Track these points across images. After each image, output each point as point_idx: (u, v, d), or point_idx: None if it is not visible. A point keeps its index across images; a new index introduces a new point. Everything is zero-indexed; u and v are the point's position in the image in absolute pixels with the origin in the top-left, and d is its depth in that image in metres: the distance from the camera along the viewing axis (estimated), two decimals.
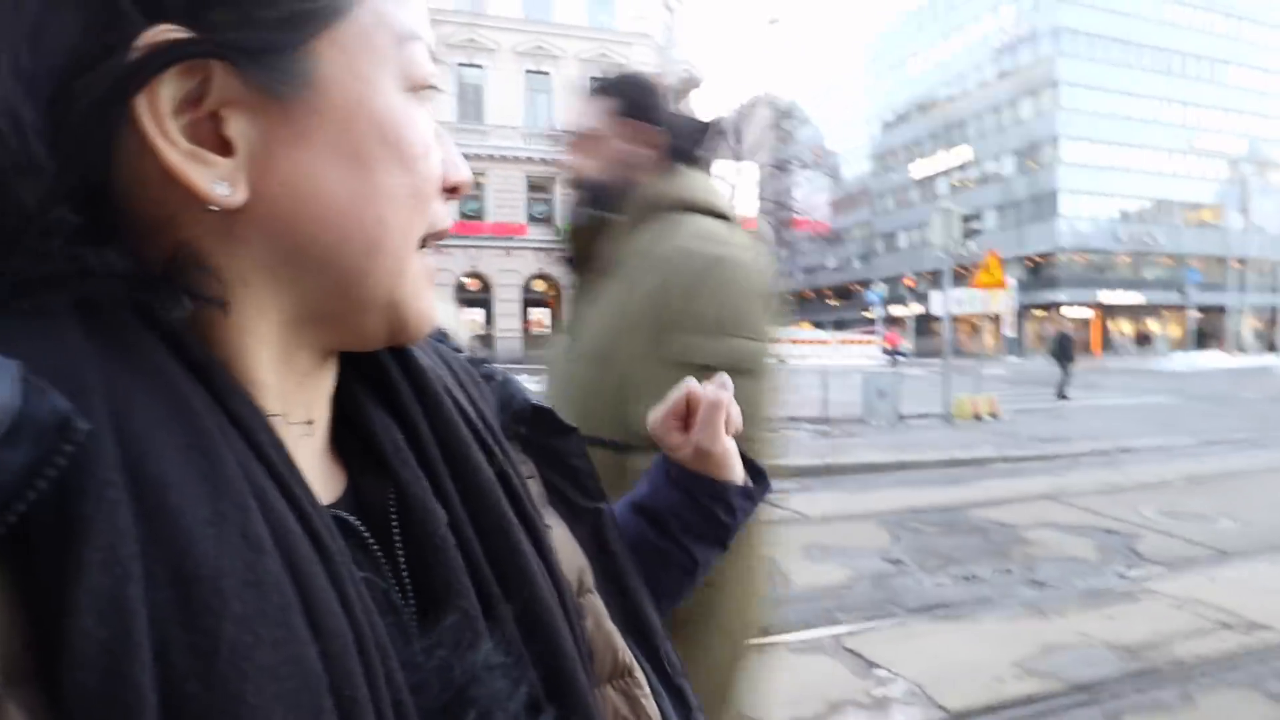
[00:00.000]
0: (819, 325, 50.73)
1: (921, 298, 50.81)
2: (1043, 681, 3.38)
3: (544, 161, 28.74)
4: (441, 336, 0.54)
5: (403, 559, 0.40)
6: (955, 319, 50.64)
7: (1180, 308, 36.04)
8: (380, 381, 0.44)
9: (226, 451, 0.31)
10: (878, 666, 3.52)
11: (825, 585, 4.65)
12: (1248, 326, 42.05)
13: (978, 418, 12.65)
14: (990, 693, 3.27)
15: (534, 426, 0.55)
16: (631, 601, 0.54)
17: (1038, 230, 45.31)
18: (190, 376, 0.32)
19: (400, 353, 0.45)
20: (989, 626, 4.07)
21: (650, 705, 0.49)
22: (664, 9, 31.35)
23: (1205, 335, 44.59)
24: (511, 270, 28.58)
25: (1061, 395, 16.85)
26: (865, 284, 53.11)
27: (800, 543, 5.54)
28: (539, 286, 29.38)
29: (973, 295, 45.43)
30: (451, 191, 0.43)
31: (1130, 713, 3.14)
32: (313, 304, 0.38)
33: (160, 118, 0.31)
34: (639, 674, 0.50)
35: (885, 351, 28.72)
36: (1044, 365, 32.17)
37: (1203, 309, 45.14)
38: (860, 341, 31.04)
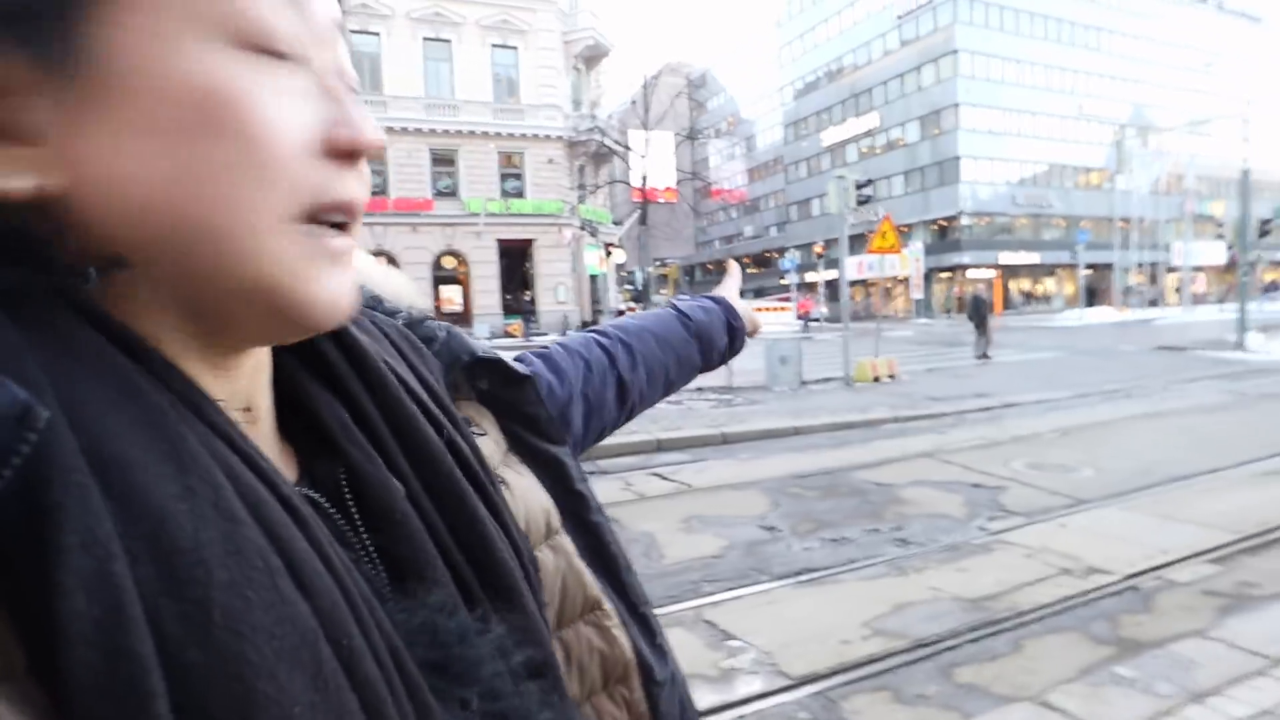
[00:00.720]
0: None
1: (835, 264, 52.25)
2: (887, 640, 3.46)
3: (447, 133, 27.97)
4: (375, 303, 0.53)
5: (365, 535, 0.40)
6: (866, 283, 52.30)
7: (1073, 266, 38.02)
8: (319, 363, 0.44)
9: (185, 429, 0.31)
10: (732, 638, 3.54)
11: (698, 556, 4.67)
12: (1134, 282, 44.74)
13: (877, 380, 13.01)
14: (836, 656, 3.33)
15: (489, 380, 0.55)
16: (596, 537, 0.56)
17: (942, 195, 46.85)
18: (130, 360, 0.32)
19: (336, 332, 0.43)
20: (848, 589, 4.16)
21: (620, 634, 0.52)
22: None
23: (1095, 292, 47.29)
24: (419, 248, 27.77)
25: (984, 355, 17.04)
26: (782, 251, 54.08)
27: (681, 514, 5.57)
28: (448, 264, 28.69)
29: (882, 260, 46.95)
30: (347, 156, 0.37)
31: (965, 663, 3.25)
32: (186, 295, 0.35)
33: None
34: (608, 605, 0.52)
35: (799, 318, 29.26)
36: (950, 326, 33.55)
37: (1093, 267, 47.77)
38: (775, 309, 31.50)
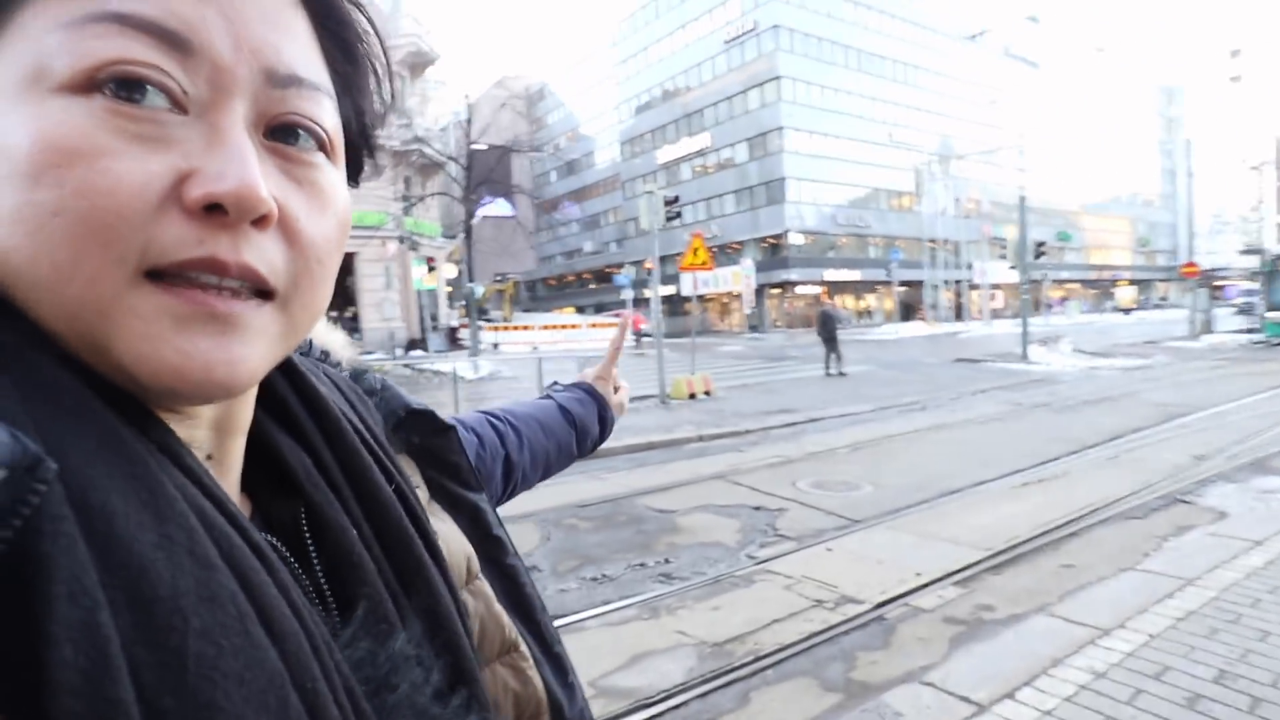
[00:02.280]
0: (580, 309, 51.37)
1: (672, 279, 53.43)
2: (608, 703, 3.05)
3: None
4: (324, 357, 0.56)
5: (320, 572, 0.42)
6: (703, 298, 53.31)
7: (889, 283, 41.02)
8: (280, 410, 0.45)
9: (163, 476, 0.32)
10: None
11: None
12: (943, 298, 48.94)
13: (693, 397, 12.97)
14: None
15: (418, 431, 0.57)
16: (512, 581, 0.58)
17: (770, 214, 49.16)
18: (107, 405, 0.32)
19: (297, 382, 0.47)
20: (590, 638, 3.74)
21: (534, 675, 0.54)
22: None
23: (909, 307, 51.29)
24: None
25: (839, 373, 16.51)
26: (620, 267, 54.70)
27: None
28: None
29: (716, 275, 48.04)
30: (218, 213, 0.34)
31: None
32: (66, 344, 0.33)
33: None
34: (524, 648, 0.54)
35: (633, 333, 29.34)
36: (785, 340, 35.04)
37: (906, 284, 51.80)
38: (610, 325, 31.47)
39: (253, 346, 0.35)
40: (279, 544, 0.40)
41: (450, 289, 30.82)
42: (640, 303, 49.42)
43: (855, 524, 5.57)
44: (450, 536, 0.54)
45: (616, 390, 1.11)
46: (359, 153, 0.46)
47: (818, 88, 49.91)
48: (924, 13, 55.15)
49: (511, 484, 0.88)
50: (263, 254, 0.35)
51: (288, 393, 0.46)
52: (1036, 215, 66.69)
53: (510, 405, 0.96)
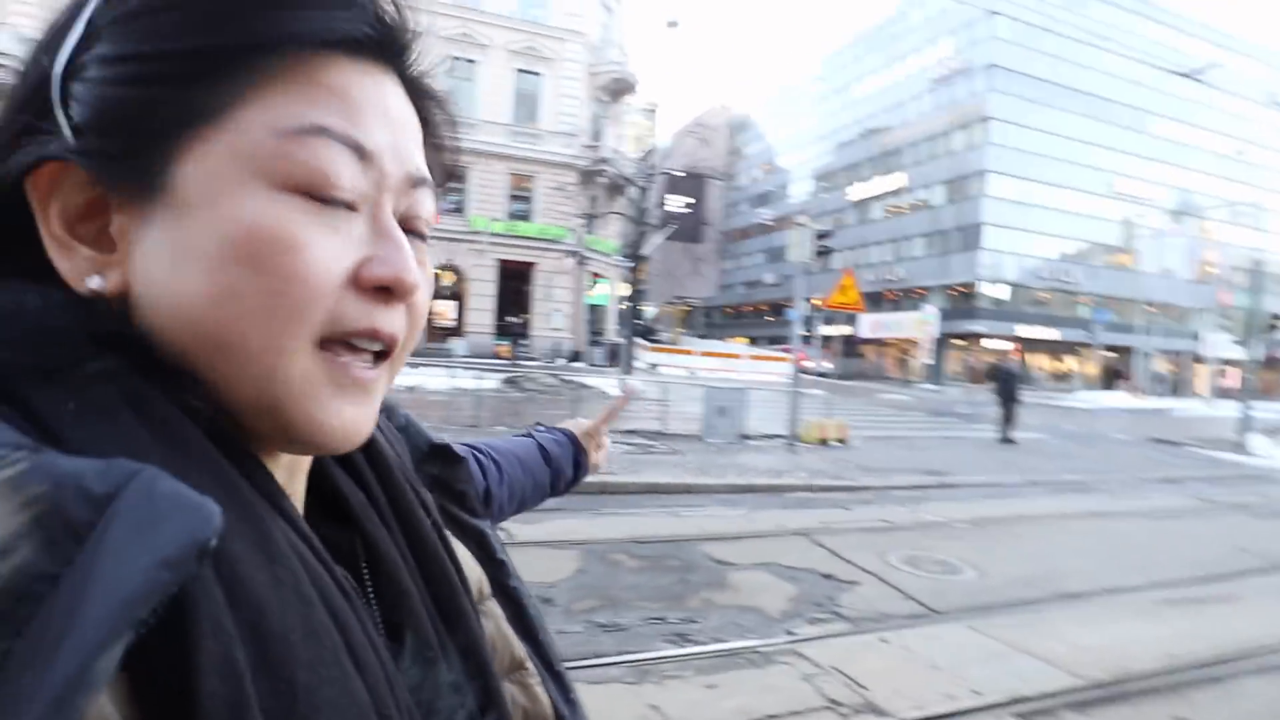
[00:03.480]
0: (753, 340, 50.64)
1: (851, 319, 51.26)
2: None
3: (466, 152, 27.93)
4: None
5: (374, 601, 0.45)
6: (882, 342, 51.05)
7: (1091, 346, 36.63)
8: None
9: (269, 519, 0.36)
10: None
11: None
12: (1158, 368, 43.06)
13: (824, 442, 12.15)
14: None
15: (438, 464, 0.60)
16: (517, 602, 0.59)
17: (961, 260, 45.76)
18: (218, 451, 0.36)
19: None
20: None
21: (541, 691, 0.55)
22: (601, 8, 30.72)
23: (1115, 375, 45.62)
24: None
25: (1006, 439, 14.56)
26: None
27: None
28: (447, 278, 28.40)
29: (898, 320, 46.01)
30: (385, 292, 0.40)
31: None
32: (219, 399, 0.38)
33: (45, 206, 0.36)
34: (530, 665, 0.56)
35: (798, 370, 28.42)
36: (963, 395, 32.35)
37: (1114, 349, 46.17)
38: (772, 358, 30.69)
39: (374, 406, 0.42)
40: (349, 576, 0.43)
41: (623, 307, 31.47)
42: (824, 340, 47.98)
43: (932, 615, 4.78)
44: (465, 561, 0.56)
45: (599, 448, 1.15)
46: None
47: (1030, 131, 45.86)
48: (1159, 53, 49.39)
49: (489, 515, 0.88)
50: (400, 324, 0.42)
51: None
52: None
53: (493, 441, 1.00)
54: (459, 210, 28.04)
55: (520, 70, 28.52)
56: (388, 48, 0.42)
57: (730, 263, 70.85)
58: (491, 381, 17.38)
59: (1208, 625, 4.87)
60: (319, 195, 0.38)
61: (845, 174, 57.24)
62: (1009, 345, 44.76)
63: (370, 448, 0.50)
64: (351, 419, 0.40)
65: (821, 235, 11.53)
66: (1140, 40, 46.48)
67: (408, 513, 0.50)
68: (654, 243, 31.30)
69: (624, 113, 33.44)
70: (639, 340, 31.29)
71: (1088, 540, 7.02)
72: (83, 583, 0.26)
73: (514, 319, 28.23)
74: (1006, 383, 14.96)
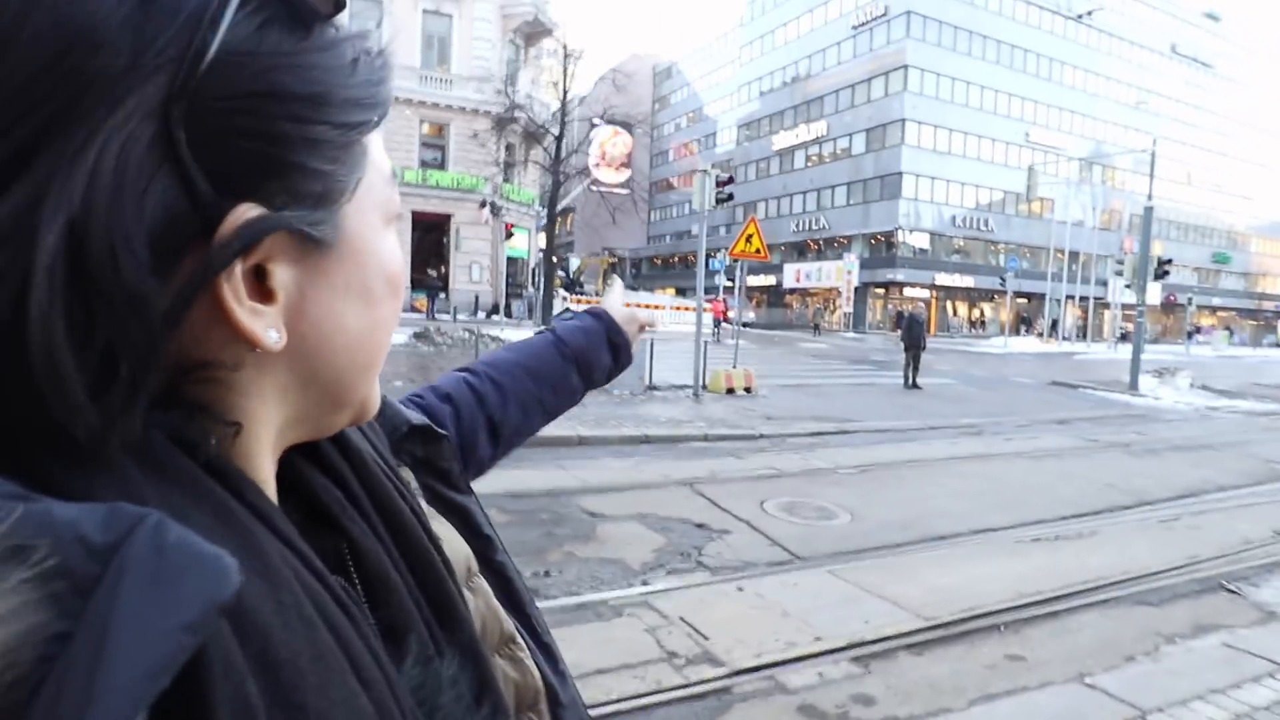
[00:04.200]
0: (681, 291, 50.62)
1: (776, 268, 51.65)
2: None
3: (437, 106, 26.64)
4: None
5: (366, 603, 0.45)
6: (806, 292, 51.42)
7: (1009, 293, 37.83)
8: (311, 448, 0.48)
9: (270, 546, 0.36)
10: None
11: None
12: (1070, 315, 44.93)
13: (730, 392, 12.17)
14: None
15: (419, 444, 0.60)
16: (503, 576, 0.60)
17: (882, 209, 46.39)
18: (214, 479, 0.36)
19: None
20: None
21: (530, 664, 0.56)
22: None
23: (1027, 321, 47.47)
24: None
25: (913, 384, 14.99)
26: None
27: None
28: None
29: (820, 268, 46.33)
30: None
31: None
32: (304, 411, 0.42)
33: (235, 283, 0.35)
34: (519, 639, 0.57)
35: (714, 320, 28.47)
36: (884, 342, 33.13)
37: (1026, 296, 47.92)
38: (688, 308, 30.67)
39: None
40: (347, 586, 0.42)
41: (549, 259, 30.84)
42: (750, 290, 48.19)
43: (795, 562, 4.77)
44: (450, 539, 0.55)
45: (643, 327, 1.07)
46: None
47: (948, 79, 46.35)
48: (1079, 4, 50.52)
49: (501, 443, 0.86)
50: None
51: None
52: (1192, 233, 60.47)
53: (496, 354, 0.93)
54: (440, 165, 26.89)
55: (427, 11, 27.13)
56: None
57: (658, 213, 70.30)
58: (401, 336, 16.87)
59: (1062, 561, 5.00)
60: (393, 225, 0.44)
61: (770, 122, 56.96)
62: (927, 293, 46.23)
63: (344, 442, 0.50)
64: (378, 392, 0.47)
65: (721, 182, 11.32)
66: None
67: (388, 506, 0.49)
68: (574, 193, 30.64)
69: (541, 57, 32.35)
70: (561, 292, 30.83)
71: (969, 482, 7.18)
72: (100, 645, 0.24)
73: (432, 272, 27.36)
74: (911, 330, 15.34)
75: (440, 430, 0.61)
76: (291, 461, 0.45)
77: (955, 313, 49.16)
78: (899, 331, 16.25)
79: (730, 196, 11.69)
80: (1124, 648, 3.72)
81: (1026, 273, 44.85)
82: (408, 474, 0.58)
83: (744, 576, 4.43)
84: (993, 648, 3.67)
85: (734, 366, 12.59)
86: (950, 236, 47.66)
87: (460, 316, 25.66)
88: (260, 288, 0.37)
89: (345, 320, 0.40)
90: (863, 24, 47.83)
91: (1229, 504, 6.93)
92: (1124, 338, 39.37)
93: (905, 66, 44.94)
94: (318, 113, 0.36)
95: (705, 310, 30.28)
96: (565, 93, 22.75)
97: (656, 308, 30.27)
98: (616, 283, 1.14)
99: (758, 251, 12.10)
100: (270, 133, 0.34)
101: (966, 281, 47.33)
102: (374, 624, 0.43)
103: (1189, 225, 60.38)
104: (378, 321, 0.42)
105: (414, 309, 25.36)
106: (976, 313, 50.19)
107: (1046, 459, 8.63)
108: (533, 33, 30.38)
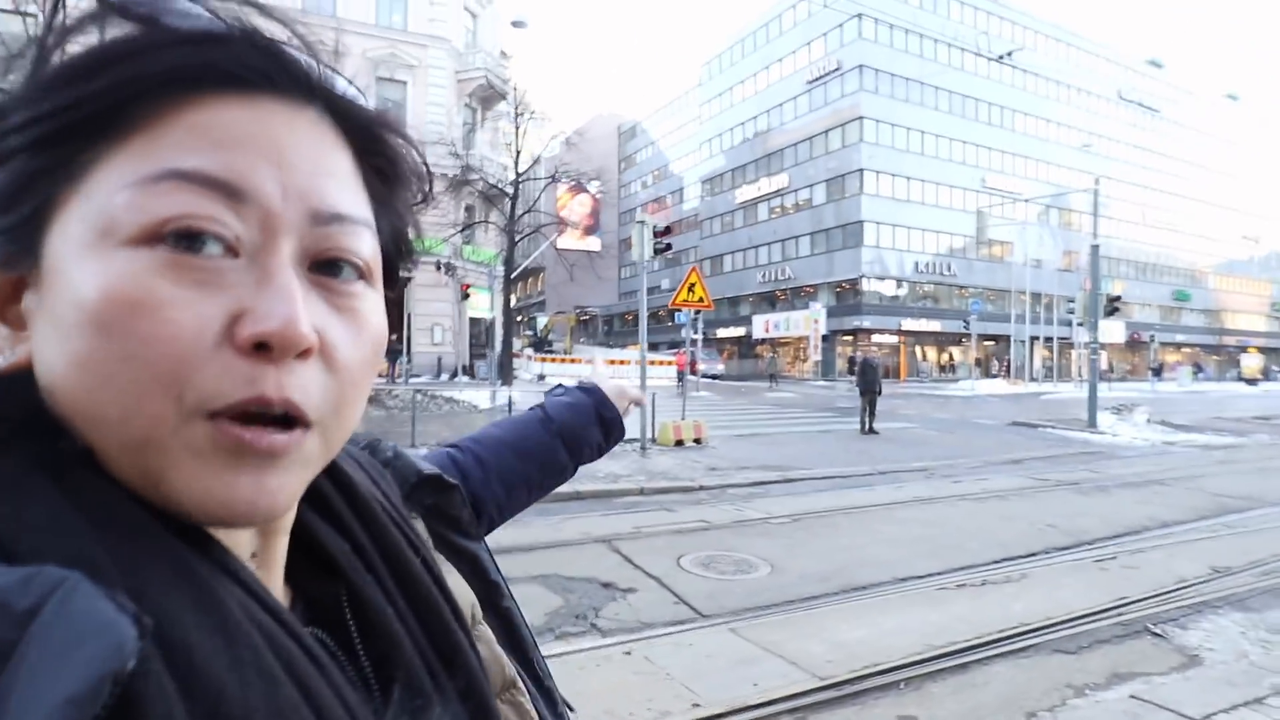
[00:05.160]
0: (654, 346, 50.70)
1: (744, 320, 51.90)
2: None
3: None
4: None
5: (362, 654, 0.43)
6: (774, 342, 51.39)
7: (974, 336, 38.24)
8: (318, 498, 0.47)
9: (226, 596, 0.34)
10: None
11: None
12: (1039, 355, 45.39)
13: (680, 444, 11.92)
14: None
15: (431, 493, 0.59)
16: (509, 621, 0.60)
17: (845, 258, 47.05)
18: (165, 529, 0.34)
19: (332, 471, 0.48)
20: None
21: (532, 709, 0.55)
22: (465, 13, 29.99)
23: (996, 362, 47.88)
24: None
25: (869, 429, 14.74)
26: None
27: None
28: None
29: (788, 319, 46.60)
30: (259, 349, 0.35)
31: None
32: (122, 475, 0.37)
33: None
34: (520, 684, 0.56)
35: (678, 373, 28.37)
36: (845, 389, 33.13)
37: (993, 338, 48.42)
38: (660, 363, 30.64)
39: (291, 475, 0.37)
40: (325, 637, 0.42)
41: (500, 319, 30.69)
42: (709, 342, 48.26)
43: (697, 620, 4.47)
44: (456, 586, 0.55)
45: (633, 403, 1.09)
46: (395, 262, 0.48)
47: (903, 129, 47.69)
48: (1024, 57, 52.59)
49: (483, 519, 0.85)
50: (304, 386, 0.37)
51: (323, 481, 0.47)
52: (1150, 271, 61.81)
53: (484, 431, 0.93)
54: None
55: (382, 78, 27.54)
56: (283, 81, 0.38)
57: (628, 270, 70.93)
58: None
59: (984, 608, 4.75)
60: (183, 247, 0.34)
61: (733, 176, 58.06)
62: (895, 339, 46.58)
63: (351, 493, 0.49)
64: (250, 492, 0.35)
65: (659, 233, 11.29)
66: (994, 41, 49.07)
67: (396, 556, 0.48)
68: (535, 254, 30.74)
69: (500, 120, 32.77)
70: (528, 351, 30.64)
71: (905, 529, 6.93)
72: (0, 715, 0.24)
73: (392, 335, 27.07)
74: (866, 375, 15.18)
75: (450, 480, 0.60)
76: (301, 512, 0.44)
77: (924, 357, 49.50)
78: (853, 376, 16.10)
79: (668, 247, 11.66)
80: (1029, 702, 3.45)
81: (991, 315, 45.39)
82: (420, 524, 0.56)
83: (637, 639, 4.13)
84: (886, 708, 3.39)
85: (682, 418, 12.36)
86: (914, 282, 48.39)
87: (424, 379, 25.32)
88: (15, 317, 0.36)
89: (48, 356, 0.35)
90: (817, 79, 49.39)
91: (1169, 540, 6.73)
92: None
93: (860, 118, 46.24)
94: None
95: (670, 364, 30.19)
96: (518, 154, 22.95)
97: (622, 363, 30.18)
98: (597, 359, 1.06)
99: (700, 300, 12.01)
100: None
101: (934, 326, 47.83)
102: (361, 672, 0.42)
103: (1147, 264, 61.85)
104: (78, 365, 0.34)
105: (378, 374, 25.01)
106: (945, 356, 50.59)
107: (990, 500, 8.43)
108: (486, 96, 30.86)
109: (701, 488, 8.71)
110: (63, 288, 0.34)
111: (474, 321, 30.54)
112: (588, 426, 0.98)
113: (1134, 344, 51.74)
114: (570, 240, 40.81)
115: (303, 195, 0.38)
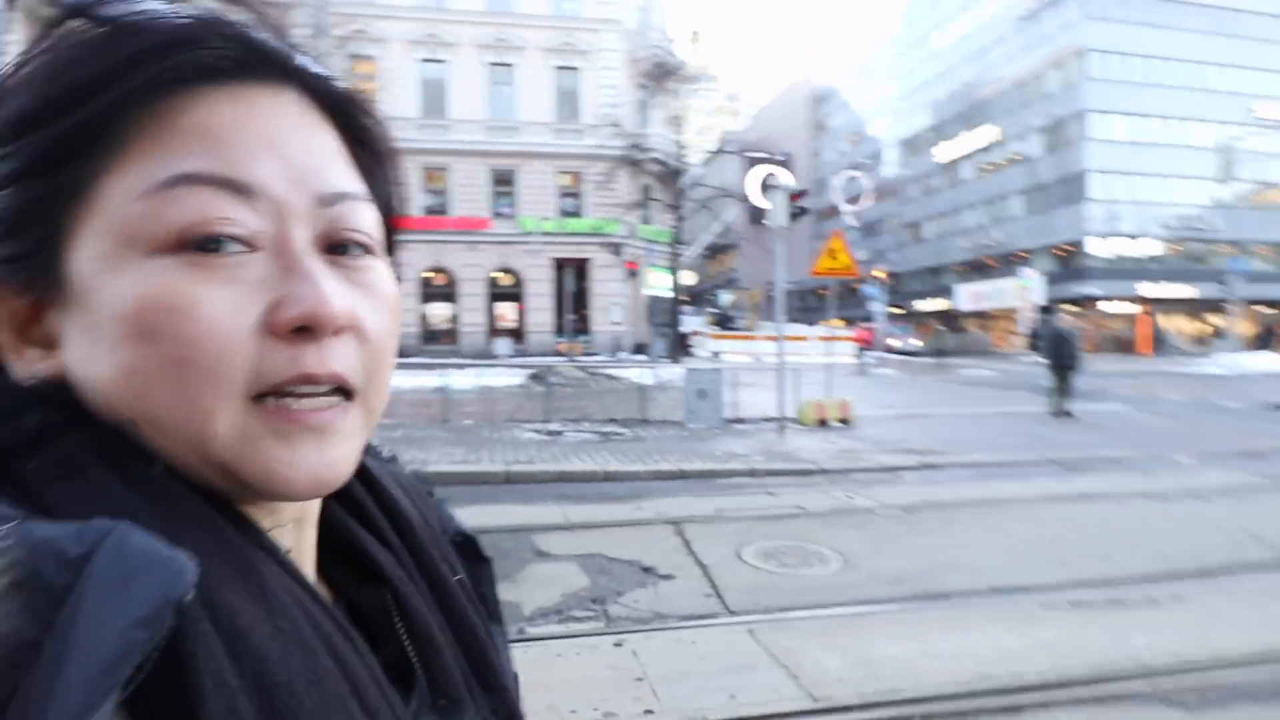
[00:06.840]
0: (849, 321, 48.38)
1: (945, 291, 47.67)
2: None
3: (507, 154, 28.19)
4: (391, 458, 0.60)
5: (412, 653, 0.46)
6: (984, 314, 46.98)
7: (1232, 302, 31.97)
8: (361, 512, 0.50)
9: (267, 571, 0.36)
10: None
11: None
12: None
13: (823, 423, 11.15)
14: None
15: (463, 559, 0.58)
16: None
17: (1066, 216, 41.27)
18: (212, 509, 0.36)
19: (373, 488, 0.51)
20: None
21: None
22: None
23: (1269, 333, 39.98)
24: (475, 265, 28.07)
25: (1062, 411, 12.64)
26: (895, 277, 50.22)
27: None
28: (505, 281, 28.76)
29: (999, 288, 42.45)
30: (302, 331, 0.38)
31: None
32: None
33: None
34: None
35: (861, 349, 26.72)
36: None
37: (1274, 303, 40.56)
38: (841, 338, 29.01)
39: (347, 444, 0.40)
40: (348, 622, 0.43)
41: (680, 296, 30.68)
42: (896, 318, 44.96)
43: (719, 616, 4.06)
44: None
45: None
46: (389, 231, 0.50)
47: (1139, 59, 40.48)
48: None
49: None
50: (345, 359, 0.39)
51: (365, 497, 0.50)
52: None
53: None
54: (511, 213, 28.36)
55: (558, 67, 28.42)
56: (260, 66, 0.40)
57: (822, 242, 68.12)
58: (517, 378, 17.32)
59: (1088, 636, 3.83)
60: (204, 247, 0.36)
61: (932, 135, 53.19)
62: (1133, 308, 40.46)
63: (392, 510, 0.51)
64: (312, 464, 0.38)
65: (795, 195, 10.53)
66: None
67: (434, 572, 0.50)
68: (712, 229, 30.38)
69: (674, 97, 32.55)
70: (705, 328, 30.47)
71: (1041, 528, 5.88)
72: (63, 647, 0.26)
73: (572, 316, 28.16)
74: (1058, 347, 12.94)
75: (485, 553, 0.60)
76: (346, 524, 0.48)
77: (1176, 328, 42.54)
78: (1039, 349, 13.69)
79: (805, 211, 10.83)
80: None
81: (1269, 276, 37.98)
82: (453, 555, 0.56)
83: (639, 630, 3.82)
84: None
85: (827, 395, 11.54)
86: (1160, 239, 41.57)
87: (599, 357, 26.05)
88: (43, 334, 0.38)
89: (94, 370, 0.37)
90: (1030, 13, 43.59)
91: None
92: None
93: (1083, 52, 40.20)
94: None
95: (847, 339, 28.48)
96: (679, 133, 22.63)
97: (801, 339, 29.04)
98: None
99: (846, 268, 11.07)
100: None
101: (1186, 291, 40.94)
102: (422, 678, 0.45)
103: None
104: (128, 374, 0.36)
105: (557, 352, 26.06)
106: (1205, 327, 43.11)
107: (1182, 500, 6.92)
108: (660, 74, 30.67)
109: (821, 470, 8.04)
110: (100, 304, 0.36)
111: (657, 300, 30.90)
112: None
113: None
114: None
115: (305, 179, 0.39)
